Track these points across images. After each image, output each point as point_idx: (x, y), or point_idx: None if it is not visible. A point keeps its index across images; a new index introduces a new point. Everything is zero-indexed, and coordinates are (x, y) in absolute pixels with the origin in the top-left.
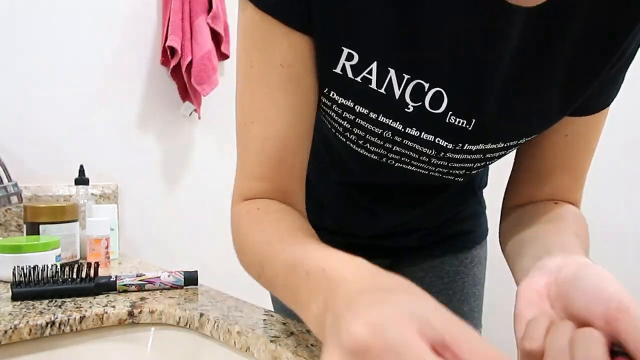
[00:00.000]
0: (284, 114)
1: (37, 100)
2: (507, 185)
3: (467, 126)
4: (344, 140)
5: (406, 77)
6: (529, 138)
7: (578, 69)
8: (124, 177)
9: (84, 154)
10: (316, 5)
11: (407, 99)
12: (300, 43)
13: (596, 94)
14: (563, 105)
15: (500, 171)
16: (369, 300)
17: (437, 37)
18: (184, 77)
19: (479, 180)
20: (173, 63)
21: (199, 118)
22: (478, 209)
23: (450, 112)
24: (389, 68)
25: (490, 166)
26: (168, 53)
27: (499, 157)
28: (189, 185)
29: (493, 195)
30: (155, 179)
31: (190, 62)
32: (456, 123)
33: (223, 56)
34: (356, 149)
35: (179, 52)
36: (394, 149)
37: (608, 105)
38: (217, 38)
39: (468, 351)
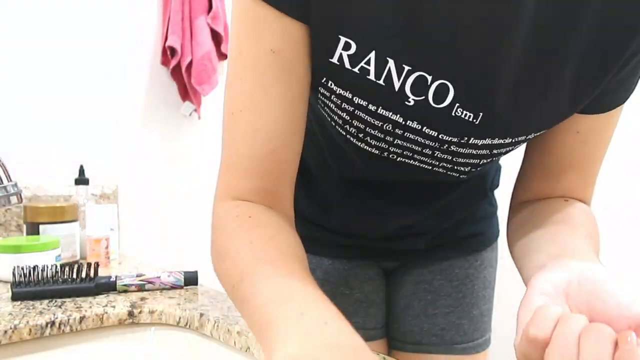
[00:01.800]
0: (275, 103)
1: (37, 100)
2: (517, 181)
3: (475, 120)
4: (344, 133)
5: (406, 68)
6: (538, 133)
7: (590, 64)
8: (124, 177)
9: (84, 154)
10: None
11: (408, 92)
12: (292, 29)
13: (609, 92)
14: (573, 100)
15: (514, 172)
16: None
17: (441, 26)
18: (183, 77)
19: (490, 181)
20: (173, 63)
21: (199, 118)
22: (489, 210)
23: (457, 105)
24: (387, 58)
25: (502, 168)
26: (168, 53)
27: (506, 152)
28: (189, 185)
29: (505, 196)
30: (155, 179)
31: (190, 62)
32: (462, 116)
33: (223, 56)
34: (357, 142)
35: (179, 52)
36: (395, 142)
37: (621, 103)
38: (217, 38)
39: None
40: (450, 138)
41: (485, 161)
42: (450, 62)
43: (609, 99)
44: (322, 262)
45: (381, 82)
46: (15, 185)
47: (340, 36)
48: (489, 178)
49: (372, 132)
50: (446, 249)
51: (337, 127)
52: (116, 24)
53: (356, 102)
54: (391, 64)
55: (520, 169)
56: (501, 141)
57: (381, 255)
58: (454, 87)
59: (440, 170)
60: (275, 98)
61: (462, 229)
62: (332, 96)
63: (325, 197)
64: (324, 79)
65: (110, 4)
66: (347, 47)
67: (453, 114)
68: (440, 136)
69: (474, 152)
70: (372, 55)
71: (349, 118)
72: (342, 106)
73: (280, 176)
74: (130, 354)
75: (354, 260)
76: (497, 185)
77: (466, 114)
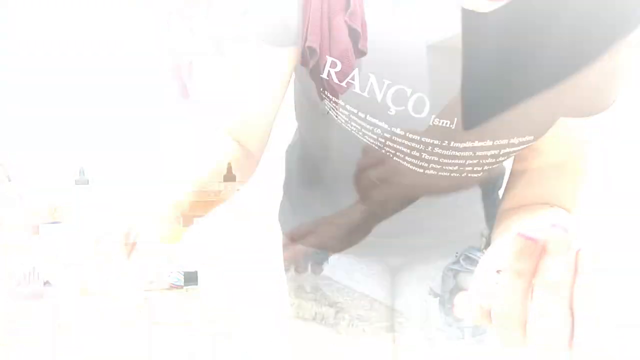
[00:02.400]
0: (258, 96)
1: (37, 100)
2: (504, 191)
3: (451, 125)
4: (349, 129)
5: (386, 82)
6: (523, 139)
7: (568, 62)
8: (124, 177)
9: (84, 154)
10: (299, 20)
11: (389, 103)
12: (279, 52)
13: (587, 95)
14: (552, 103)
15: None
16: None
17: (415, 44)
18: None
19: (495, 181)
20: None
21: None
22: (494, 210)
23: (434, 116)
24: (369, 74)
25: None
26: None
27: (493, 156)
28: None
29: None
30: (155, 179)
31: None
32: (440, 124)
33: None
34: (361, 137)
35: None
36: (386, 143)
37: (599, 111)
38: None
39: None
40: (432, 141)
41: (471, 162)
42: (424, 77)
43: (586, 103)
44: (328, 257)
45: (365, 94)
46: (15, 185)
47: (327, 56)
48: (493, 179)
49: (367, 133)
50: (451, 246)
51: (343, 124)
52: (116, 24)
53: (349, 109)
54: (373, 78)
55: (507, 178)
56: (482, 144)
57: (386, 252)
58: (429, 100)
59: (432, 171)
60: (260, 93)
61: (468, 227)
62: (330, 102)
63: (331, 192)
64: (321, 89)
65: (110, 3)
66: (333, 65)
67: (431, 123)
68: (423, 139)
69: (457, 153)
70: (356, 72)
71: (348, 120)
72: (340, 111)
73: (252, 134)
74: (130, 354)
75: (360, 256)
76: (501, 186)
77: (443, 122)
